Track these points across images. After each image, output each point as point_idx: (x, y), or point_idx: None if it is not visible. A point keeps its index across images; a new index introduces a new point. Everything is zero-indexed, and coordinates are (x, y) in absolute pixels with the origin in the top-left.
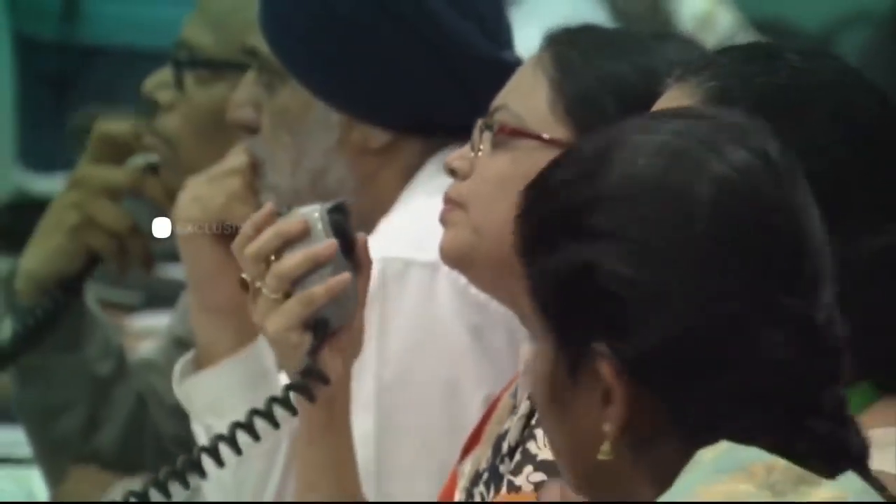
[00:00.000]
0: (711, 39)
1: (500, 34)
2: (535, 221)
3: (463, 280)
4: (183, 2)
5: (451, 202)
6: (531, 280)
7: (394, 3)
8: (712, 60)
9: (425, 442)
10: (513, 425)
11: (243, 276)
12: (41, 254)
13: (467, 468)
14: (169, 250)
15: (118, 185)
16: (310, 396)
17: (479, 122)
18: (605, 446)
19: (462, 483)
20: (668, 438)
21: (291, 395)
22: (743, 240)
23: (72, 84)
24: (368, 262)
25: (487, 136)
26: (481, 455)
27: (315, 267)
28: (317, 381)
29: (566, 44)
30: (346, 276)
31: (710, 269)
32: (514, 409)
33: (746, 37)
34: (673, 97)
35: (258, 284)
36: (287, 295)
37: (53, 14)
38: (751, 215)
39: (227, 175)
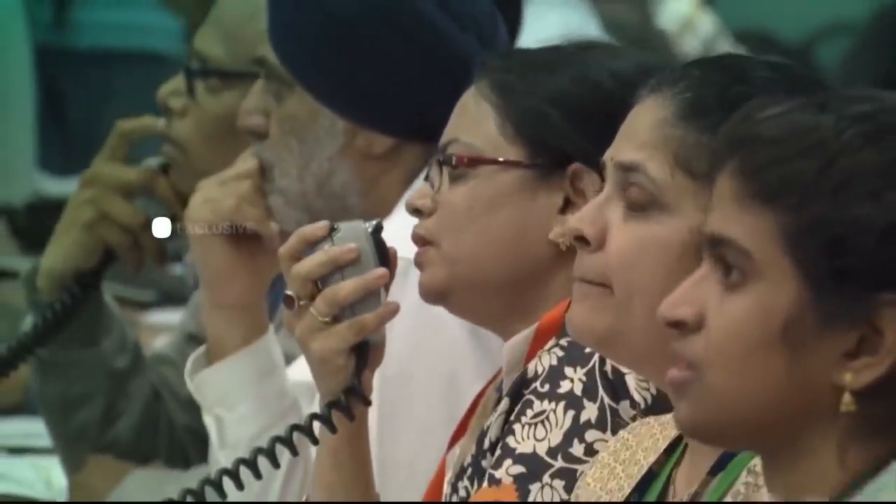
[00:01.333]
0: (693, 42)
1: (497, 45)
2: (811, 172)
3: None
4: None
5: (421, 241)
6: (787, 223)
7: (396, 16)
8: (686, 72)
9: (425, 433)
10: (493, 422)
11: (289, 293)
12: (59, 250)
13: (454, 459)
14: (182, 250)
15: (130, 184)
16: (350, 416)
17: (434, 160)
18: (847, 398)
19: (448, 475)
20: (887, 405)
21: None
22: None
23: (67, 88)
24: (394, 274)
25: (445, 171)
26: (466, 448)
27: (366, 294)
28: (358, 401)
29: (501, 70)
30: (395, 304)
31: None
32: (498, 402)
33: (726, 41)
34: (648, 107)
35: (303, 303)
36: (334, 317)
37: (44, 22)
38: None
39: (238, 178)
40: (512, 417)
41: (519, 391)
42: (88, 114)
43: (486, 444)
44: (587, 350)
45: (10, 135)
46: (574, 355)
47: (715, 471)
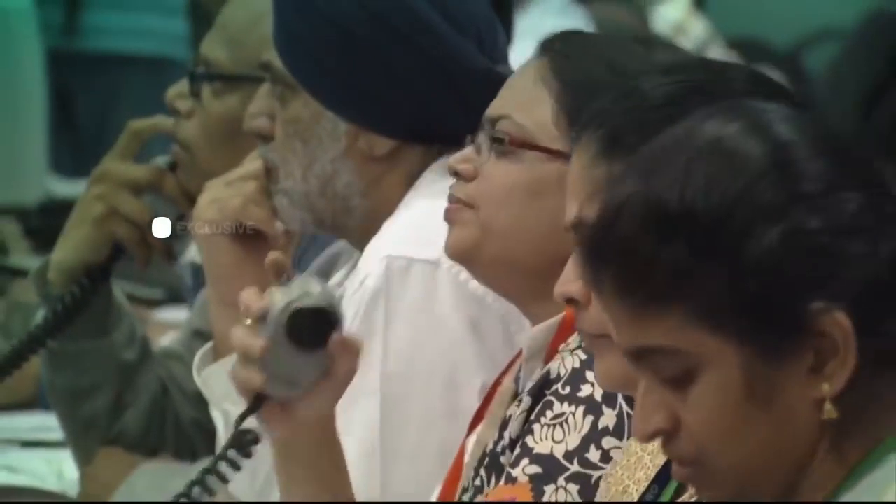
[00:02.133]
0: (686, 47)
1: (495, 50)
2: (686, 258)
3: (462, 276)
4: (174, 12)
5: (459, 202)
6: (696, 309)
7: (397, 21)
8: (594, 111)
9: (427, 426)
10: (514, 418)
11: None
12: (70, 244)
13: (472, 446)
14: (182, 249)
15: (139, 181)
16: (246, 454)
17: (483, 130)
18: (827, 405)
19: (468, 459)
20: (868, 382)
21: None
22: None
23: (77, 91)
24: (346, 348)
25: (494, 143)
26: (486, 435)
27: (247, 359)
28: (246, 446)
29: (563, 55)
30: (249, 374)
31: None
32: (516, 394)
33: (718, 46)
34: (575, 160)
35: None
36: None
37: (55, 26)
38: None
39: (244, 179)
40: (532, 416)
41: (541, 391)
42: (98, 117)
43: (507, 438)
44: None
45: (23, 138)
46: None
47: None
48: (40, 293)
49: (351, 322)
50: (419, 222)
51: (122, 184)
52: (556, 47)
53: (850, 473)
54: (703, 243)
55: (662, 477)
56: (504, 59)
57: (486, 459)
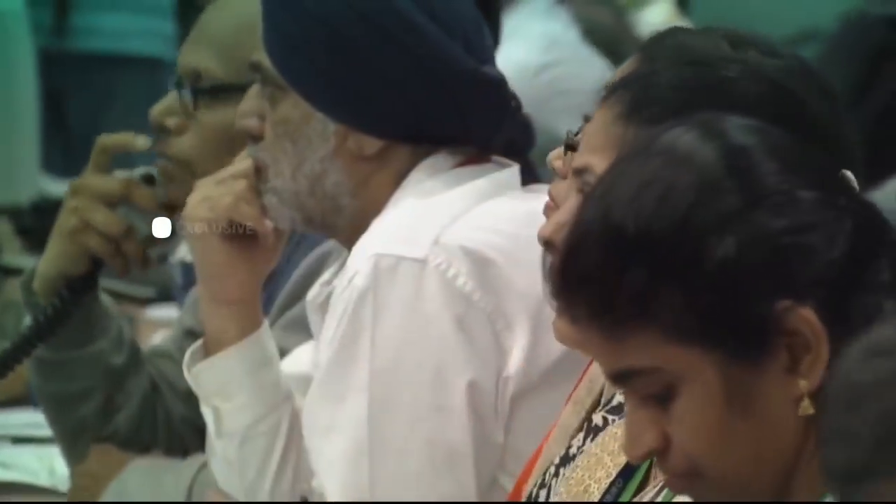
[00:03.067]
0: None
1: (483, 52)
2: (654, 257)
3: (449, 274)
4: (165, 13)
5: (553, 199)
6: (667, 326)
7: (386, 22)
8: (627, 76)
9: (414, 423)
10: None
11: None
12: (51, 256)
13: (567, 414)
14: (170, 249)
15: (111, 193)
16: None
17: (583, 124)
18: (805, 402)
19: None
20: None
21: None
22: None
23: (67, 91)
24: None
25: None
26: (570, 419)
27: None
28: None
29: (653, 60)
30: None
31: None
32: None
33: None
34: (598, 114)
35: None
36: None
37: (45, 26)
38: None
39: (234, 177)
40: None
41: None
42: (89, 117)
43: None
44: None
45: (16, 138)
46: None
47: None
48: (26, 300)
49: (339, 320)
50: (407, 221)
51: (95, 197)
52: (647, 50)
53: None
54: (662, 263)
55: (627, 471)
56: (491, 59)
57: (551, 468)
